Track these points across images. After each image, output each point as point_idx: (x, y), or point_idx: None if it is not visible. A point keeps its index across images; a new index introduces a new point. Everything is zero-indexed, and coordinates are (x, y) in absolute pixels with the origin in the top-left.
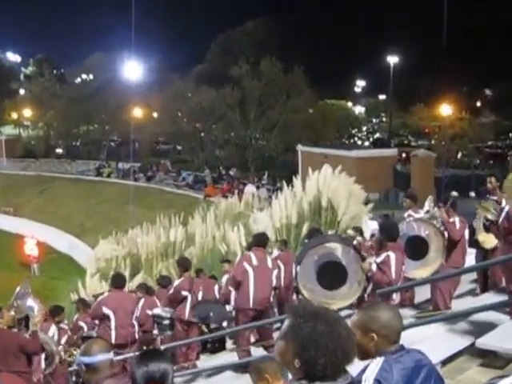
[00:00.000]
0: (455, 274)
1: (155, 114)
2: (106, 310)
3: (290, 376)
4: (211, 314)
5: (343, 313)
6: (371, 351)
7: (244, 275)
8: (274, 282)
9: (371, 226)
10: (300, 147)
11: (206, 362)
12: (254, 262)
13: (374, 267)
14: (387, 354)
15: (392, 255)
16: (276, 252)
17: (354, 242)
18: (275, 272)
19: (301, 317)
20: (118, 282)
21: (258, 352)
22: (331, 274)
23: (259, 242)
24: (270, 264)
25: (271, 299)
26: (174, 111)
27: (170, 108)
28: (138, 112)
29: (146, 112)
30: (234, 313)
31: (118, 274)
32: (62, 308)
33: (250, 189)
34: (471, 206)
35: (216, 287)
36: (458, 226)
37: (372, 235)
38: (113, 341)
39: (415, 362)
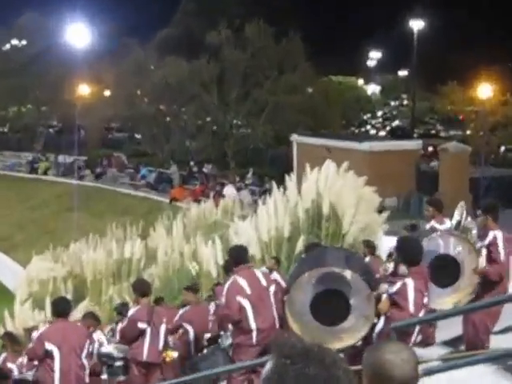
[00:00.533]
0: (494, 304)
1: (107, 92)
2: (48, 346)
3: None
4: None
5: None
6: None
7: (241, 312)
8: (274, 303)
9: (388, 243)
10: (295, 137)
11: None
12: (247, 289)
13: (384, 298)
14: None
15: (410, 283)
16: (265, 271)
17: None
18: (272, 288)
19: (287, 357)
20: (61, 308)
21: None
22: (330, 305)
23: (239, 257)
24: (263, 282)
25: (277, 325)
26: (131, 88)
27: (127, 84)
28: (84, 89)
29: (96, 89)
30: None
31: (62, 298)
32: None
33: (229, 191)
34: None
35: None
36: (499, 242)
37: (389, 255)
38: None
39: None
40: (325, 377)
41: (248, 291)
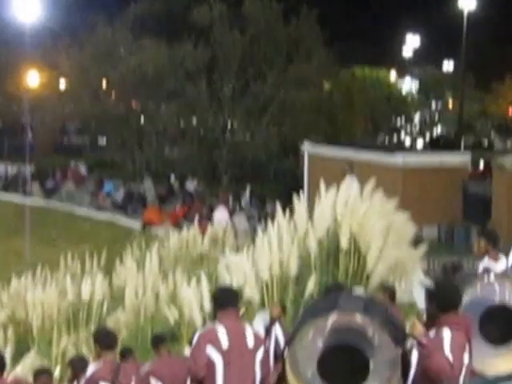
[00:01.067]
0: None
1: (63, 84)
2: None
3: None
4: None
5: None
6: None
7: (209, 369)
8: (259, 374)
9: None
10: (307, 147)
11: None
12: (225, 343)
13: (413, 357)
14: None
15: (447, 333)
16: (261, 323)
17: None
18: (259, 355)
19: None
20: None
21: None
22: (343, 366)
23: (225, 301)
24: (250, 342)
25: None
26: (95, 79)
27: (90, 74)
28: (33, 79)
29: (49, 79)
30: None
31: None
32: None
33: (220, 215)
34: None
35: None
36: None
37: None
38: None
39: None
40: None
41: (225, 346)
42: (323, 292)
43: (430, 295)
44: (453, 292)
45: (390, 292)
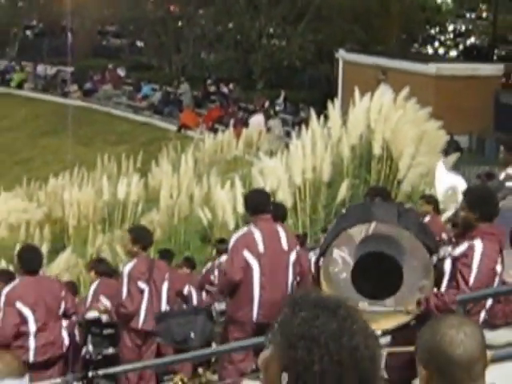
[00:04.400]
0: None
1: None
2: (23, 309)
3: None
4: (192, 334)
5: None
6: None
7: (246, 273)
8: (291, 275)
9: (449, 179)
10: (342, 54)
11: None
12: (260, 246)
13: (446, 265)
14: None
15: (478, 246)
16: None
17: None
18: (293, 257)
19: (297, 304)
20: (30, 262)
21: None
22: (376, 273)
23: (258, 204)
24: (285, 244)
25: None
26: None
27: None
28: None
29: None
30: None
31: (31, 248)
32: None
33: (256, 120)
34: None
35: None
36: None
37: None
38: (31, 358)
39: None
40: (334, 329)
41: (261, 249)
42: (365, 195)
43: (469, 202)
44: (491, 200)
45: (432, 203)
